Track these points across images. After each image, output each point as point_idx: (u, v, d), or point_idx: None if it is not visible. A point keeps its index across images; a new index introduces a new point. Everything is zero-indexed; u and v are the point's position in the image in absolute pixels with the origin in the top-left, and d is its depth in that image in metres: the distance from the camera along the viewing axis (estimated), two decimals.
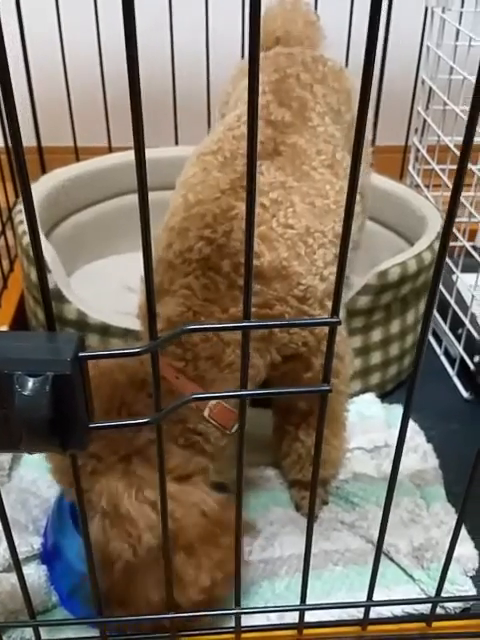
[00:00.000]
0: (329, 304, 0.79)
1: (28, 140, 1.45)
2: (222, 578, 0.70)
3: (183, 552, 0.68)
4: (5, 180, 1.35)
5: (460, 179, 0.43)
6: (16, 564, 0.64)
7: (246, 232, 0.44)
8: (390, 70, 1.42)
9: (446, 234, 0.46)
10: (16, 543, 0.78)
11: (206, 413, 0.72)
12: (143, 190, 0.42)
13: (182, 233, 0.76)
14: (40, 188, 1.20)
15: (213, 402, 0.72)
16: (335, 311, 0.48)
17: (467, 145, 0.42)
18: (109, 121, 1.45)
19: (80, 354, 0.44)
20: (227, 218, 0.74)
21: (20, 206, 1.14)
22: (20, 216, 1.12)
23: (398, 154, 1.53)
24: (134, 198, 1.53)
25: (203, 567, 0.69)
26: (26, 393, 0.42)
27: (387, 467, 0.98)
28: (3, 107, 0.37)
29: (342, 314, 0.85)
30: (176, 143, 1.46)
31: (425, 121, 1.36)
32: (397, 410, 1.09)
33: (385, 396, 1.13)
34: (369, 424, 1.04)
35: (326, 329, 0.81)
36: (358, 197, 0.94)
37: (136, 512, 0.66)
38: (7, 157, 1.40)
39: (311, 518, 0.63)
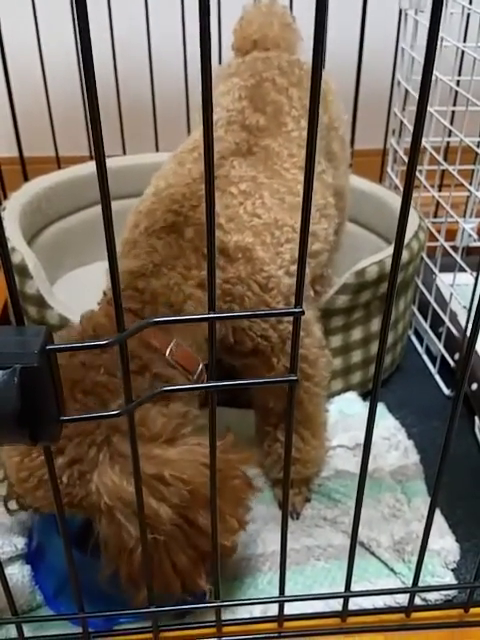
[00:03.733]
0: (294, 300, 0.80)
1: (10, 150, 1.47)
2: (242, 513, 0.71)
3: (204, 509, 0.66)
4: None
5: (410, 180, 0.44)
6: None
7: (207, 219, 0.45)
8: (366, 72, 1.44)
9: (399, 241, 0.48)
10: (0, 543, 0.80)
11: (168, 354, 0.70)
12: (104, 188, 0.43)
13: (150, 214, 0.77)
14: (21, 196, 1.21)
15: (173, 344, 0.71)
16: (298, 301, 0.49)
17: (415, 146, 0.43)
18: (89, 130, 1.46)
19: (48, 347, 0.45)
20: (195, 197, 0.76)
21: (2, 213, 1.16)
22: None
23: (377, 157, 1.55)
24: (115, 204, 1.53)
25: (226, 514, 0.69)
26: None
27: (370, 464, 0.99)
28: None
29: (311, 314, 0.86)
30: (157, 149, 1.48)
31: (402, 123, 1.38)
32: (379, 408, 1.10)
33: (367, 394, 1.14)
34: (350, 422, 1.06)
35: (290, 327, 0.82)
36: (335, 199, 0.96)
37: (142, 492, 0.62)
38: None
39: (285, 511, 0.64)
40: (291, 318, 0.78)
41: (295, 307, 0.49)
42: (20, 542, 0.82)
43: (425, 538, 0.69)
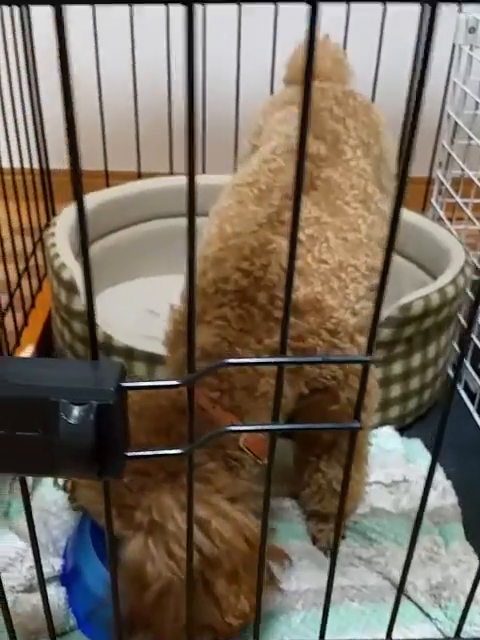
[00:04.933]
0: (359, 338, 0.80)
1: (59, 163, 1.48)
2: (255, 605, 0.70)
3: (225, 576, 0.67)
4: (38, 200, 1.38)
5: None
6: (41, 584, 0.64)
7: (288, 269, 0.44)
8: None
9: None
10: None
11: (241, 442, 0.72)
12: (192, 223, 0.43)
13: (218, 263, 0.77)
14: (71, 212, 1.22)
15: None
16: (370, 349, 0.49)
17: None
18: (140, 146, 1.47)
19: (122, 384, 0.45)
20: (265, 252, 0.75)
21: (52, 229, 1.17)
22: (52, 239, 1.14)
23: (421, 185, 1.55)
24: (160, 224, 1.57)
25: (243, 593, 0.68)
26: (71, 421, 0.43)
27: (406, 503, 0.98)
28: (67, 137, 0.38)
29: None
30: (203, 171, 1.49)
31: (449, 155, 1.38)
32: (416, 445, 1.09)
33: (403, 429, 1.13)
34: (388, 458, 1.04)
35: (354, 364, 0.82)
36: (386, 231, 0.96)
37: (183, 531, 0.65)
38: (41, 179, 1.43)
39: (335, 554, 0.63)
40: (355, 350, 0.79)
41: (367, 355, 0.49)
42: (57, 563, 0.82)
43: (472, 591, 0.68)
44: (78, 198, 0.42)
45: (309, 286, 0.76)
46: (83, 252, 0.42)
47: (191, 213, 0.42)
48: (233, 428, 0.52)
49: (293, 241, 0.43)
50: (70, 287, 1.04)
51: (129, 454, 0.49)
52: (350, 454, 0.55)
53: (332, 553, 0.62)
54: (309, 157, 0.86)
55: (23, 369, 0.46)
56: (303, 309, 0.75)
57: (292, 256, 0.44)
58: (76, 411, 0.43)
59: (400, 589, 0.66)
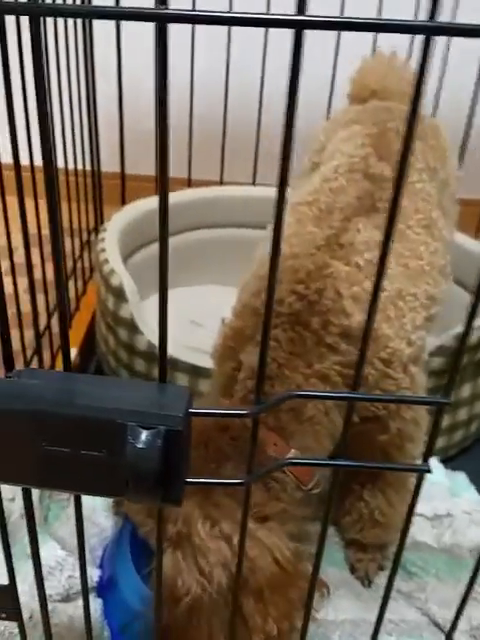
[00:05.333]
0: (412, 368, 0.78)
1: (111, 166, 1.49)
2: (286, 629, 0.68)
3: (252, 596, 0.65)
4: (87, 202, 1.38)
5: None
6: (84, 595, 0.63)
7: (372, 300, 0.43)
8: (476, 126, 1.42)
9: None
10: (74, 574, 0.79)
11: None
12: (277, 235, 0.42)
13: None
14: (122, 217, 1.23)
15: (292, 453, 0.71)
16: (447, 391, 0.47)
17: None
18: (192, 153, 1.47)
19: (190, 410, 0.44)
20: (321, 276, 0.74)
21: (102, 234, 1.17)
22: (102, 244, 1.14)
23: (476, 208, 1.52)
24: (207, 233, 1.55)
25: (270, 615, 0.66)
26: (139, 445, 0.42)
27: (448, 538, 0.96)
28: (158, 145, 0.37)
29: (424, 378, 0.83)
30: (253, 182, 1.48)
31: None
32: (460, 477, 1.06)
33: (447, 461, 1.11)
34: (431, 491, 1.02)
35: (406, 393, 0.80)
36: (450, 257, 0.93)
37: (209, 545, 0.64)
38: (92, 180, 1.44)
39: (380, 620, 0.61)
40: (407, 382, 0.77)
41: (443, 397, 0.47)
42: (95, 574, 0.81)
43: None
44: (162, 213, 0.42)
45: (364, 313, 0.74)
46: (161, 280, 0.41)
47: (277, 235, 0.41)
48: (295, 460, 0.51)
49: (380, 274, 0.42)
50: (118, 294, 1.04)
51: (189, 480, 0.48)
52: (415, 495, 0.54)
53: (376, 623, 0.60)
54: (371, 177, 0.84)
55: (90, 388, 0.45)
56: (357, 336, 0.73)
57: (377, 288, 0.43)
58: (144, 435, 0.42)
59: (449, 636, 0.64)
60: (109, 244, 1.12)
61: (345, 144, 0.92)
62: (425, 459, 0.51)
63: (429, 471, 0.51)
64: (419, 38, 0.34)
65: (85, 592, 0.59)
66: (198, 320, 1.33)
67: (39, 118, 0.38)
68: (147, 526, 0.69)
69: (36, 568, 0.55)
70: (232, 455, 0.68)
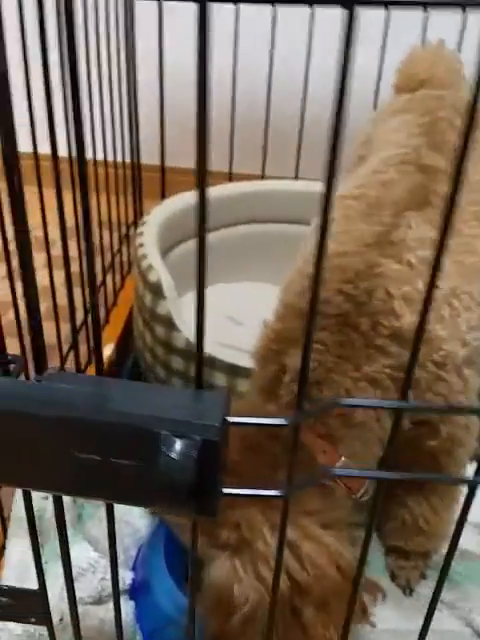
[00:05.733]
0: (466, 371, 0.74)
1: (150, 158, 1.47)
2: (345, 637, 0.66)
3: (314, 604, 0.63)
4: (127, 195, 1.37)
5: None
6: (116, 598, 0.61)
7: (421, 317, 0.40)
8: None
9: None
10: (107, 576, 0.78)
11: None
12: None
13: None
14: (162, 212, 1.21)
15: (342, 461, 0.68)
16: None
17: None
18: (234, 147, 1.44)
19: (228, 419, 0.42)
20: (370, 275, 0.70)
21: (141, 228, 1.15)
22: (140, 239, 1.12)
23: None
24: (247, 229, 1.51)
25: (333, 623, 0.64)
26: (173, 455, 0.40)
27: None
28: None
29: (478, 381, 0.79)
30: (296, 177, 1.44)
31: None
32: None
33: None
34: (477, 497, 0.97)
35: (459, 397, 0.77)
36: None
37: (272, 551, 0.61)
38: (131, 173, 1.42)
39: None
40: (460, 386, 0.74)
41: None
42: (127, 576, 0.79)
43: None
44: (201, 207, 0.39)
45: (417, 314, 0.70)
46: (199, 278, 0.38)
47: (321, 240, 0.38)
48: (339, 471, 0.48)
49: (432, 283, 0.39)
50: (156, 290, 1.02)
51: (226, 491, 0.45)
52: (467, 505, 0.50)
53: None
54: (423, 169, 0.79)
55: (123, 394, 0.43)
56: (408, 338, 0.70)
57: (431, 286, 0.40)
58: (178, 445, 0.40)
59: None
60: (148, 239, 1.10)
61: (395, 134, 0.87)
62: (479, 471, 0.47)
63: None
64: (470, 30, 0.30)
65: (116, 596, 0.57)
66: (237, 318, 1.31)
67: (73, 110, 0.36)
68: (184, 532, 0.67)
69: (66, 572, 0.54)
70: (282, 460, 0.66)
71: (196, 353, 0.43)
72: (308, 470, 0.66)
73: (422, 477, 0.60)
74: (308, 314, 0.40)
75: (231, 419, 0.42)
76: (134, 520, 0.89)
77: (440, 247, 0.39)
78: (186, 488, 0.41)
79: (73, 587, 0.55)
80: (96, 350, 0.44)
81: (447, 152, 0.82)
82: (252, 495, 0.50)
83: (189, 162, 1.45)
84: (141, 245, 1.10)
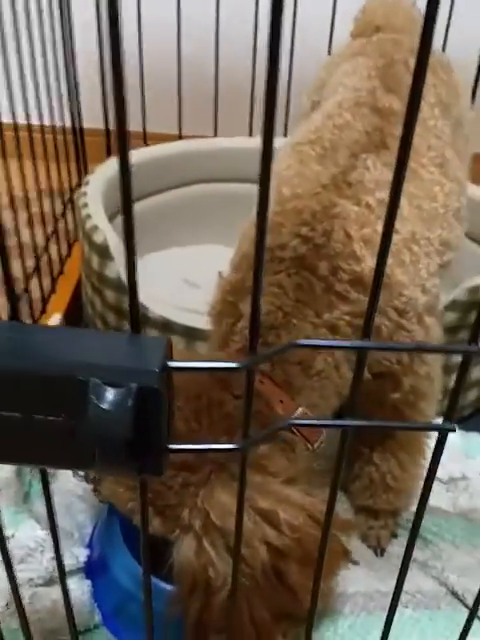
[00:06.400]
0: (427, 319, 0.71)
1: (92, 122, 1.39)
2: (327, 587, 0.64)
3: (297, 563, 0.60)
4: (69, 161, 1.30)
5: None
6: (62, 577, 0.56)
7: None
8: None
9: None
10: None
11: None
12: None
13: (274, 228, 0.68)
14: (106, 171, 1.14)
15: (300, 412, 0.65)
16: (474, 338, 0.40)
17: None
18: (182, 107, 1.37)
19: (169, 364, 0.36)
20: (327, 216, 0.66)
21: (85, 188, 1.08)
22: (84, 199, 1.05)
23: None
24: (200, 188, 1.45)
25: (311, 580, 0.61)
26: (104, 406, 0.34)
27: (464, 502, 0.89)
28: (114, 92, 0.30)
29: (440, 331, 0.76)
30: (250, 133, 1.38)
31: None
32: (475, 439, 0.99)
33: (461, 422, 1.04)
34: (445, 453, 0.95)
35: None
36: (465, 200, 0.85)
37: (248, 525, 0.57)
38: (73, 138, 1.35)
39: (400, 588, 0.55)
40: (422, 335, 0.70)
41: (470, 344, 0.39)
42: (82, 554, 0.75)
43: None
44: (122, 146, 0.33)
45: (377, 258, 0.66)
46: (125, 207, 0.33)
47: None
48: (297, 421, 0.44)
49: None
50: (103, 251, 0.96)
51: (173, 447, 0.40)
52: (436, 456, 0.47)
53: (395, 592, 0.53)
54: (379, 112, 0.75)
55: (49, 339, 0.37)
56: (369, 284, 0.66)
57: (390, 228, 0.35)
58: (111, 394, 0.35)
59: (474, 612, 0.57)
60: (92, 199, 1.04)
61: (349, 78, 0.83)
62: (448, 417, 0.43)
63: (453, 430, 0.43)
64: None
65: (62, 574, 0.52)
66: (194, 281, 1.26)
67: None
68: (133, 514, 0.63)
69: (3, 554, 0.48)
70: (238, 418, 0.61)
71: (129, 290, 0.38)
72: (266, 423, 0.62)
73: (389, 425, 0.57)
74: (256, 236, 0.35)
75: (173, 364, 0.37)
76: (89, 495, 0.84)
77: (395, 185, 0.35)
78: (123, 445, 0.36)
79: (12, 569, 0.50)
80: (9, 293, 0.38)
81: (404, 94, 0.78)
82: (204, 450, 0.45)
83: (136, 125, 1.37)
84: (85, 205, 1.03)
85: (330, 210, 0.66)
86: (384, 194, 0.68)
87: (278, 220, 0.67)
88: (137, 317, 0.38)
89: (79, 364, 0.36)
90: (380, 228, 0.67)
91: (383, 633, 0.57)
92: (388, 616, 0.56)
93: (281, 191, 0.70)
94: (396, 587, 0.53)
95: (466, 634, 0.59)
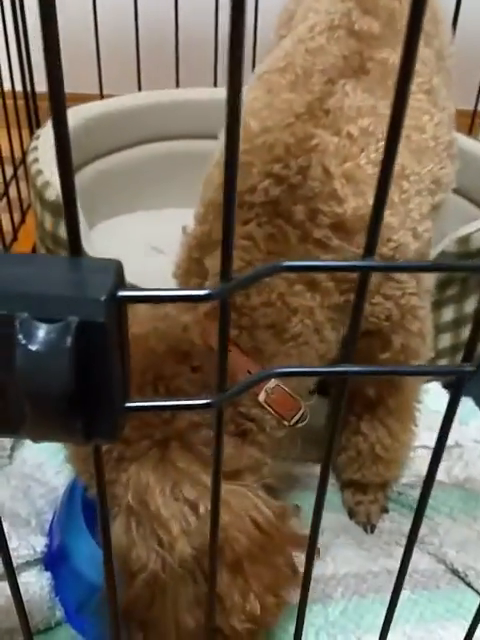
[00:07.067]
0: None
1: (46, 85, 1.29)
2: (273, 603, 0.55)
3: (227, 570, 0.53)
4: (21, 127, 1.20)
5: None
6: (9, 571, 0.48)
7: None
8: (461, 30, 1.25)
9: None
10: (15, 544, 0.64)
11: (262, 397, 0.58)
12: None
13: (242, 168, 0.59)
14: None
15: (271, 385, 0.58)
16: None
17: None
18: (101, 67, 1.26)
19: (120, 293, 0.28)
20: (303, 150, 0.58)
21: (35, 143, 0.98)
22: (35, 154, 0.95)
23: (466, 119, 1.36)
24: (163, 146, 1.33)
25: (252, 590, 0.54)
26: (34, 348, 0.26)
27: (459, 471, 0.83)
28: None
29: (432, 282, 0.69)
30: (215, 84, 1.28)
31: None
32: (468, 404, 0.93)
33: (451, 386, 0.97)
34: (436, 419, 0.87)
35: (412, 300, 0.66)
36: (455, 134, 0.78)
37: (170, 512, 0.52)
38: (25, 102, 1.25)
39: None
40: (413, 287, 0.64)
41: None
42: (40, 543, 0.66)
43: None
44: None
45: (361, 197, 0.58)
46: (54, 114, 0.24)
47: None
48: (281, 370, 0.36)
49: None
50: (56, 210, 0.87)
51: (131, 405, 0.32)
52: (452, 406, 0.39)
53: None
54: (356, 35, 0.67)
55: None
56: (352, 228, 0.58)
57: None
58: (42, 332, 0.27)
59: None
60: (43, 154, 0.94)
61: (320, 2, 0.74)
62: (466, 358, 0.36)
63: (474, 372, 0.36)
64: None
65: (9, 567, 0.44)
66: (159, 246, 1.17)
67: None
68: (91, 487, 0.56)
69: None
70: (194, 394, 0.54)
71: (64, 204, 0.30)
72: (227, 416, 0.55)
73: (397, 371, 0.49)
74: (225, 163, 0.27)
75: (125, 293, 0.29)
76: (48, 478, 0.76)
77: (394, 125, 0.27)
78: (61, 398, 0.27)
79: None
80: None
81: (382, 16, 0.70)
82: (170, 406, 0.37)
83: (93, 87, 1.26)
84: (36, 160, 0.93)
85: (306, 143, 0.58)
86: (367, 122, 0.59)
87: (247, 159, 0.59)
88: (77, 234, 0.29)
89: (2, 294, 0.27)
90: (364, 161, 0.59)
91: (385, 619, 0.50)
92: (391, 600, 0.49)
93: (248, 125, 0.61)
94: (398, 577, 0.46)
95: (478, 622, 0.51)
